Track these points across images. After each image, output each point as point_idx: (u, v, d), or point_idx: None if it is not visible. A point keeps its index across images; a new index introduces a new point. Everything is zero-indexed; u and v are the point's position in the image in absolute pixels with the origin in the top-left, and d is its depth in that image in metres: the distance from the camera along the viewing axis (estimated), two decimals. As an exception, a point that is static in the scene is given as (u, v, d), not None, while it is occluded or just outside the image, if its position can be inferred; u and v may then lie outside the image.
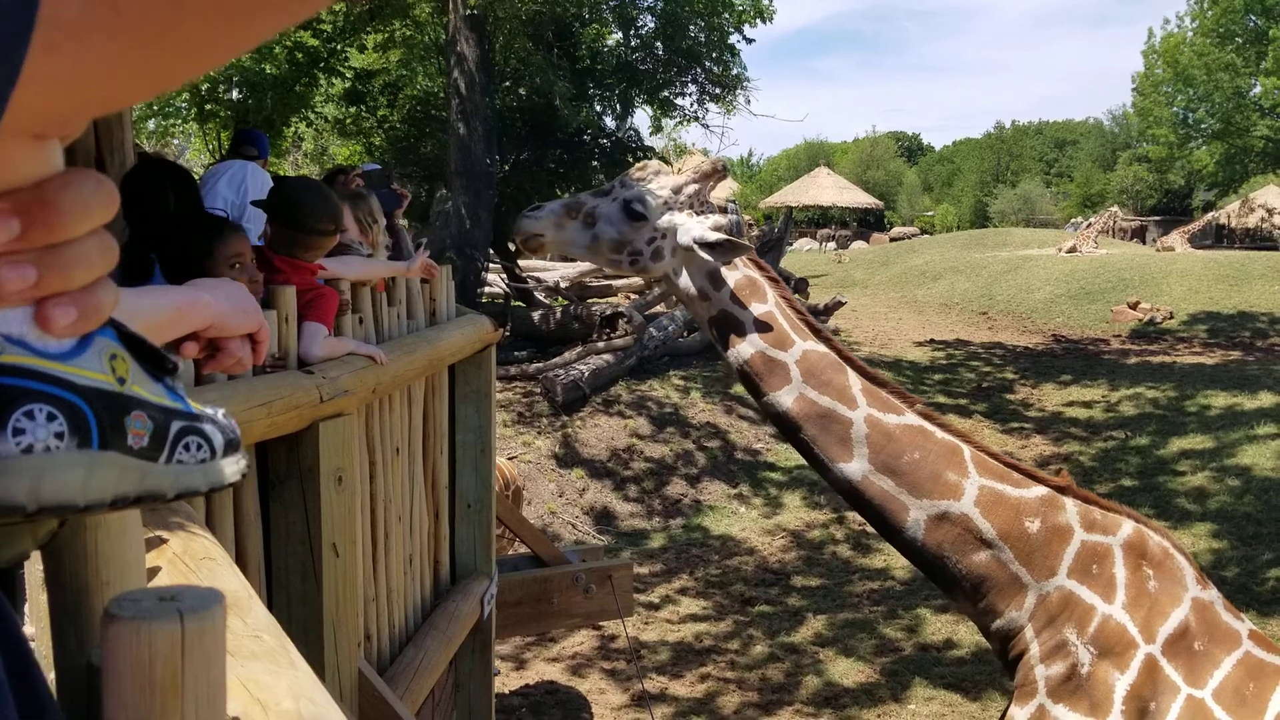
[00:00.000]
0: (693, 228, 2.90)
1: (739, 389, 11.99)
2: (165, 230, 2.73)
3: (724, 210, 2.93)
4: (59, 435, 0.61)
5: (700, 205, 2.95)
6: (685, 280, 2.96)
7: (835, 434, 2.80)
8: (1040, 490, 2.74)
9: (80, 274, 0.58)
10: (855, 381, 2.84)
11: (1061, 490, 2.75)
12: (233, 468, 0.76)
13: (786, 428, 2.89)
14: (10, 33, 0.44)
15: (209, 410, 0.76)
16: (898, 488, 2.75)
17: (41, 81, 0.47)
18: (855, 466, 2.78)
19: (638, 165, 3.06)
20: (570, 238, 2.95)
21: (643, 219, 2.90)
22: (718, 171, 3.03)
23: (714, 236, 2.87)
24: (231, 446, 0.76)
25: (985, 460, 2.78)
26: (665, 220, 2.92)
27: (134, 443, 0.67)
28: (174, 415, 0.71)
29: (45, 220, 0.55)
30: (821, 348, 2.88)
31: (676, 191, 2.93)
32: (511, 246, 16.69)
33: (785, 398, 2.85)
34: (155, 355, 0.73)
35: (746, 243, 2.91)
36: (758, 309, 2.90)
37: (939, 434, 2.80)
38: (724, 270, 2.91)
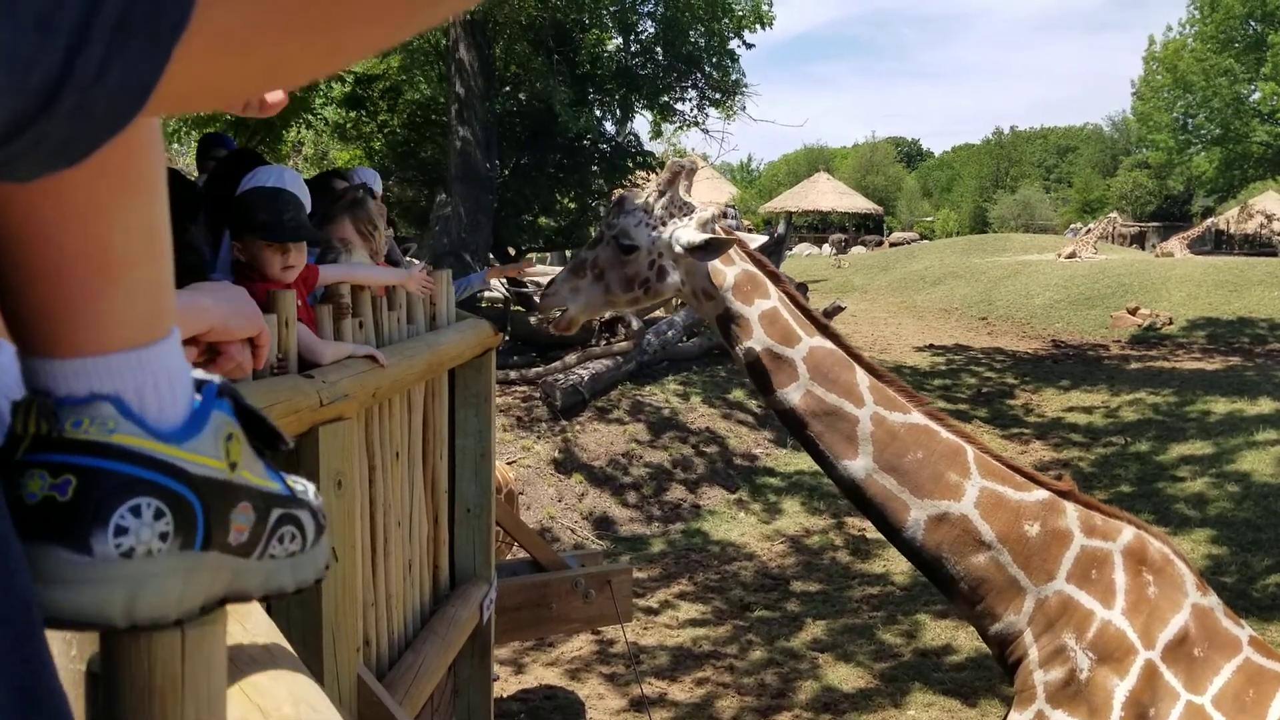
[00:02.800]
0: (680, 235, 2.92)
1: (738, 394, 11.99)
2: None
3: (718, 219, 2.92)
4: (163, 536, 0.52)
5: (678, 208, 2.96)
6: (690, 286, 2.98)
7: (841, 431, 2.80)
8: (1041, 494, 2.73)
9: None
10: (863, 379, 2.84)
11: (1063, 495, 2.74)
12: (320, 561, 0.67)
13: (793, 424, 2.89)
14: None
15: (300, 486, 0.67)
16: (900, 487, 2.75)
17: (207, 34, 0.38)
18: (859, 464, 2.78)
19: (614, 198, 3.09)
20: (590, 299, 3.00)
21: (635, 248, 2.93)
22: (684, 169, 3.04)
23: (699, 238, 2.88)
24: (320, 531, 0.67)
25: (988, 462, 2.77)
26: (651, 237, 2.93)
27: (234, 539, 0.58)
28: (274, 501, 0.62)
29: None
30: (828, 344, 2.88)
31: (648, 210, 2.95)
32: (512, 251, 16.70)
33: (792, 395, 2.85)
34: (270, 433, 0.63)
35: (729, 237, 2.90)
36: (761, 305, 2.91)
37: (943, 433, 2.79)
38: (723, 266, 2.92)
